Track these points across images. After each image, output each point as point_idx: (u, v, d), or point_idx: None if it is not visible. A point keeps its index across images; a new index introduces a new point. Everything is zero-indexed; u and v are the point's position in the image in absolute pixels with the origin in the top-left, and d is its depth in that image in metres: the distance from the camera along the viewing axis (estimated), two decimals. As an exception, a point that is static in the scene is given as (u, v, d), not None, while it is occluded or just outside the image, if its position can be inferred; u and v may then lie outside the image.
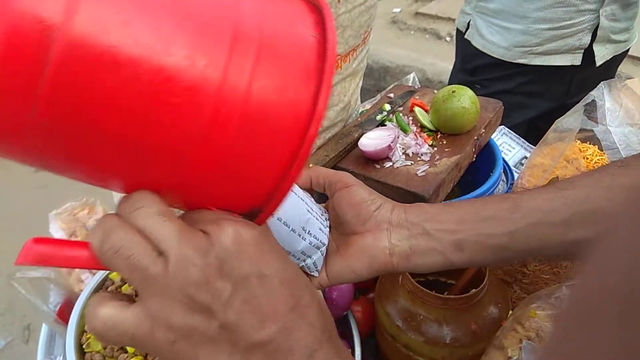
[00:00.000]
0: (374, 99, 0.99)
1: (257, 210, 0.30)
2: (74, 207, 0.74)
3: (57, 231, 0.70)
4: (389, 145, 0.66)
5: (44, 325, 0.72)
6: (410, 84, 0.93)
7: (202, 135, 0.26)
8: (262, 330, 0.28)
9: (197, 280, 0.27)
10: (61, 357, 0.64)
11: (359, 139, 0.69)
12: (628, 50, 1.28)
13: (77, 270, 0.69)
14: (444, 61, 2.48)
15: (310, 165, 0.56)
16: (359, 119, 0.77)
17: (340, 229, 0.45)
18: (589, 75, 1.21)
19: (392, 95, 0.83)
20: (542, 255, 0.50)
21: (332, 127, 0.72)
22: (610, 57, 1.21)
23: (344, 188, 0.45)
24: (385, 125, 0.74)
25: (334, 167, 0.68)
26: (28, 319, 1.73)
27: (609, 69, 1.28)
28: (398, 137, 0.69)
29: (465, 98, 0.70)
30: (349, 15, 0.61)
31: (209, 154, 0.26)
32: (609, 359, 0.16)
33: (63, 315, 0.69)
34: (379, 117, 0.76)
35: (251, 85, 0.26)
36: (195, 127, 0.26)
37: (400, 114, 0.76)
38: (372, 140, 0.67)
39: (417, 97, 0.81)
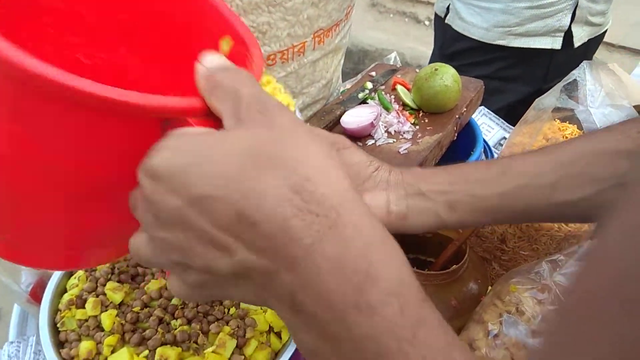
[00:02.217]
0: (354, 79, 0.98)
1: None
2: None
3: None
4: (372, 122, 0.66)
5: (15, 305, 0.70)
6: (392, 63, 0.92)
7: None
8: (226, 260, 0.25)
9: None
10: (34, 337, 0.62)
11: (341, 116, 0.69)
12: (603, 35, 1.30)
13: (50, 248, 0.66)
14: (422, 45, 2.48)
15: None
16: (341, 97, 0.76)
17: None
18: (566, 59, 1.22)
19: (373, 73, 0.82)
20: (531, 218, 0.51)
21: (314, 104, 0.71)
22: (587, 39, 1.22)
23: (342, 149, 0.44)
24: (367, 104, 0.73)
25: (316, 144, 0.67)
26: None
27: (586, 53, 1.29)
28: (380, 115, 0.68)
29: (447, 76, 0.70)
30: (333, -12, 0.59)
31: None
32: (605, 357, 0.16)
33: (36, 295, 0.67)
34: (360, 95, 0.75)
35: None
36: None
37: (383, 92, 0.75)
38: (354, 118, 0.67)
39: (399, 76, 0.80)
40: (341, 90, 0.84)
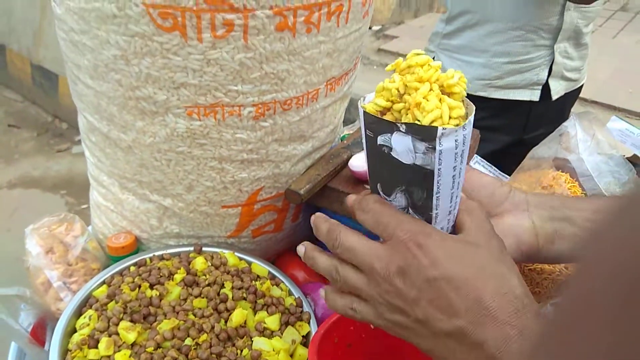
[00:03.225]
0: (352, 124, 1.02)
1: None
2: (51, 223, 0.71)
3: (34, 247, 0.67)
4: (379, 166, 0.68)
5: (11, 347, 0.67)
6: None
7: None
8: (449, 322, 0.35)
9: (387, 289, 0.37)
10: (34, 381, 0.60)
11: (348, 159, 0.71)
12: (579, 89, 1.38)
13: (54, 288, 0.65)
14: (406, 95, 2.57)
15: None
16: (345, 141, 0.78)
17: None
18: (545, 111, 1.29)
19: (375, 120, 0.85)
20: None
21: (321, 148, 0.73)
22: (564, 92, 1.29)
23: (469, 170, 0.44)
24: (371, 149, 0.76)
25: (325, 187, 0.69)
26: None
27: (563, 107, 1.37)
28: (386, 160, 0.70)
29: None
30: (345, 40, 0.63)
31: None
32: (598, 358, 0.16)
33: (36, 336, 0.65)
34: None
35: None
36: None
37: (386, 138, 0.78)
38: (361, 162, 0.69)
39: (400, 123, 0.83)
40: (343, 135, 0.87)
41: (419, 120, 0.37)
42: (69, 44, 0.58)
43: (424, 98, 0.37)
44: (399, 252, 0.37)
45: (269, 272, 0.68)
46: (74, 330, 0.57)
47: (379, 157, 0.39)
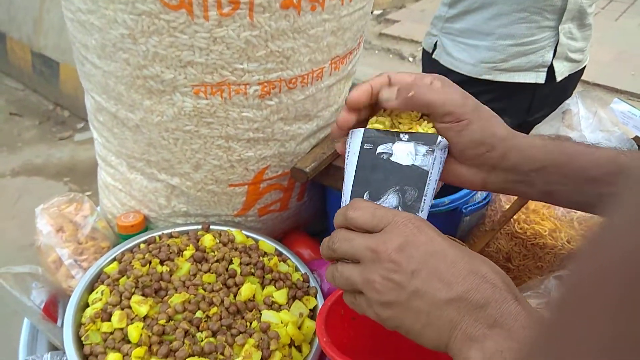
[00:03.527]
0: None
1: None
2: (60, 203, 0.72)
3: (44, 226, 0.68)
4: (383, 144, 0.69)
5: (24, 325, 0.69)
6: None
7: None
8: (450, 290, 0.36)
9: (387, 267, 0.38)
10: (48, 355, 0.61)
11: (352, 139, 0.72)
12: (582, 71, 1.38)
13: (65, 266, 0.67)
14: (408, 80, 2.56)
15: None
16: (349, 121, 0.79)
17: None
18: (549, 93, 1.29)
19: (378, 100, 0.86)
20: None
21: (326, 128, 0.74)
22: (568, 74, 1.29)
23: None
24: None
25: (330, 165, 0.70)
26: None
27: (567, 89, 1.37)
28: (390, 138, 0.71)
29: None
30: (350, 19, 0.63)
31: None
32: (602, 344, 0.17)
33: (48, 312, 0.67)
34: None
35: None
36: None
37: (389, 118, 0.79)
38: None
39: (403, 103, 0.84)
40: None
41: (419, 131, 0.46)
42: (77, 24, 0.58)
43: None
44: (398, 231, 0.39)
45: (276, 249, 0.69)
46: (87, 305, 0.58)
47: (374, 165, 0.45)
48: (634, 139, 0.80)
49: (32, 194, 2.52)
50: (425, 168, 0.44)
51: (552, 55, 1.22)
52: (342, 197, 0.47)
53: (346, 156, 0.47)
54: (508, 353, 0.34)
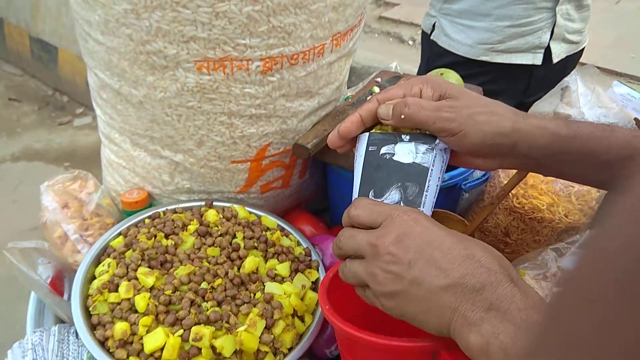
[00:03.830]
0: (355, 87, 1.03)
1: None
2: (65, 180, 0.73)
3: (50, 203, 0.69)
4: (384, 121, 0.70)
5: (31, 298, 0.70)
6: (393, 71, 0.97)
7: None
8: (445, 277, 0.37)
9: (386, 259, 0.40)
10: (56, 327, 0.62)
11: (353, 116, 0.72)
12: (580, 53, 1.38)
13: (71, 241, 0.68)
14: (407, 63, 2.56)
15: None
16: (350, 99, 0.80)
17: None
18: (546, 74, 1.29)
19: (379, 79, 0.87)
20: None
21: (327, 105, 0.75)
22: (565, 56, 1.29)
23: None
24: (376, 106, 0.77)
25: (331, 142, 0.71)
26: None
27: (564, 70, 1.37)
28: (391, 115, 0.72)
29: (452, 80, 0.74)
30: (350, -6, 0.64)
31: None
32: (602, 325, 0.17)
33: (55, 287, 0.68)
34: (369, 99, 0.79)
35: None
36: None
37: (390, 96, 0.80)
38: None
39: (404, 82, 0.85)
40: (346, 96, 0.88)
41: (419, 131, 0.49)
42: (80, 0, 0.59)
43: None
44: (395, 224, 0.41)
45: (278, 225, 0.70)
46: (93, 278, 0.59)
47: (378, 165, 0.48)
48: (634, 119, 0.81)
49: (33, 178, 2.52)
50: (425, 165, 0.47)
51: (549, 36, 1.22)
52: (352, 197, 0.49)
53: (354, 160, 0.50)
54: (504, 335, 0.35)
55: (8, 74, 3.42)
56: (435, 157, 0.47)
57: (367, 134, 0.49)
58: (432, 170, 0.47)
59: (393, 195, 0.47)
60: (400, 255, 0.39)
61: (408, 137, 0.48)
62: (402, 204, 0.47)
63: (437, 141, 0.48)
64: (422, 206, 0.47)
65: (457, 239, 0.40)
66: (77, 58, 2.91)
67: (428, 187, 0.47)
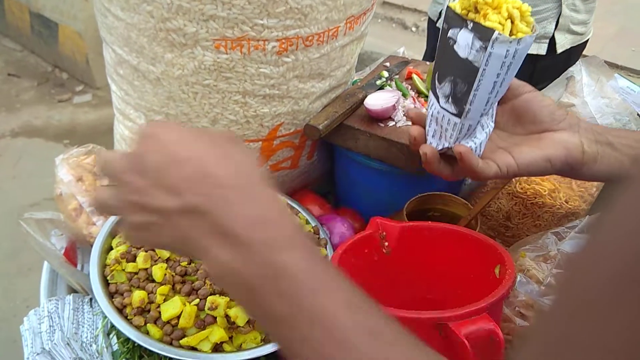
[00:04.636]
0: (362, 71, 1.04)
1: None
2: (79, 154, 0.74)
3: (65, 176, 0.70)
4: (394, 105, 0.71)
5: (44, 268, 0.72)
6: (401, 56, 0.98)
7: None
8: (175, 199, 0.34)
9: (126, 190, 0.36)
10: (71, 296, 0.64)
11: (363, 99, 0.74)
12: (584, 44, 1.39)
13: (85, 213, 0.69)
14: (410, 50, 2.56)
15: None
16: (359, 83, 0.81)
17: (528, 127, 0.52)
18: (550, 64, 1.31)
19: (387, 64, 0.88)
20: None
21: (337, 88, 0.76)
22: (569, 46, 1.31)
23: (528, 92, 0.50)
24: (384, 90, 0.79)
25: (341, 124, 0.72)
26: None
27: (568, 61, 1.38)
28: (400, 100, 0.74)
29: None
30: (365, -21, 0.65)
31: None
32: (603, 316, 0.18)
33: (69, 257, 0.70)
34: (378, 82, 0.81)
35: None
36: None
37: (399, 80, 0.81)
38: (377, 101, 0.72)
39: (412, 67, 0.86)
40: (354, 80, 0.89)
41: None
42: (100, -25, 0.60)
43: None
44: (135, 148, 0.37)
45: (287, 204, 0.72)
46: (110, 249, 0.61)
47: (444, 48, 0.46)
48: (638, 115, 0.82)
49: (33, 155, 2.53)
50: (475, 64, 0.44)
51: (554, 26, 1.24)
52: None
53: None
54: (232, 262, 0.33)
55: (8, 49, 3.39)
56: (489, 56, 0.43)
57: (447, 5, 0.47)
58: (484, 70, 0.44)
59: (445, 88, 0.46)
60: (134, 184, 0.35)
61: (471, 25, 0.44)
62: (450, 99, 0.46)
63: (495, 35, 0.43)
64: (468, 104, 0.45)
65: (198, 152, 0.36)
66: (77, 35, 2.89)
67: (477, 88, 0.44)
